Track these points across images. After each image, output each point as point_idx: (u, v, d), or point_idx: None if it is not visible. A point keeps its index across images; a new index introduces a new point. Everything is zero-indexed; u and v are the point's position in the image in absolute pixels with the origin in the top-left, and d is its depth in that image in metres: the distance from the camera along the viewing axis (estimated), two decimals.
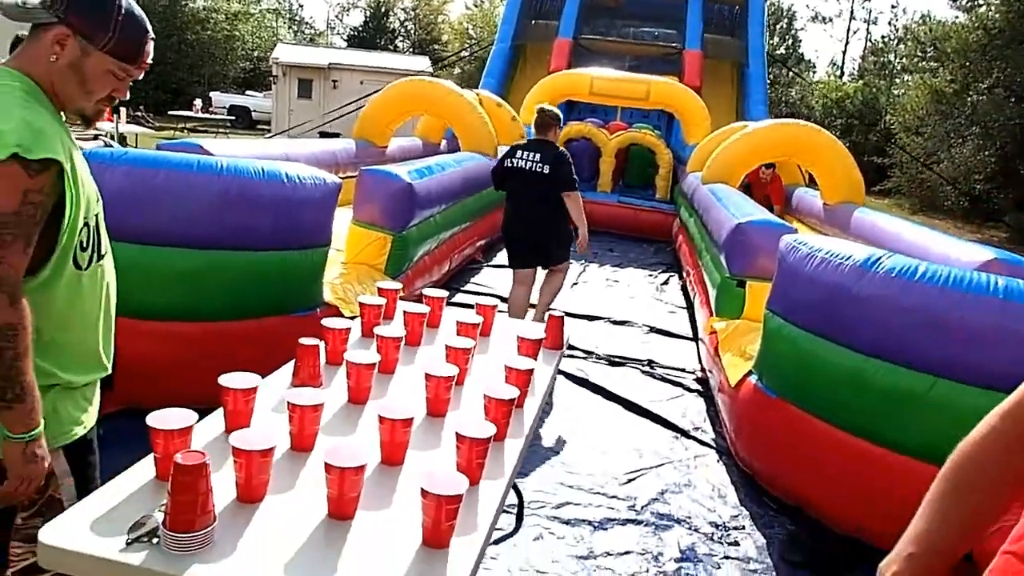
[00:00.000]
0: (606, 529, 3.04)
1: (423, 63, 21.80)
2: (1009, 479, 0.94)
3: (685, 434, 4.06)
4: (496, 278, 7.13)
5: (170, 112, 21.77)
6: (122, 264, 1.84)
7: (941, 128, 18.78)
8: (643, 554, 2.89)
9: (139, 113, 20.27)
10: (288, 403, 1.74)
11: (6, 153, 1.30)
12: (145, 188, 3.29)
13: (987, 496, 0.96)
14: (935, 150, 19.00)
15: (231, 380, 1.79)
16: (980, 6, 18.48)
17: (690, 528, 3.13)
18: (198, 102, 22.66)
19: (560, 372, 4.58)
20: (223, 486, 1.51)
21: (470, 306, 3.29)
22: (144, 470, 1.58)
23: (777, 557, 2.99)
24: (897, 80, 29.41)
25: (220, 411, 1.83)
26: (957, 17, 20.21)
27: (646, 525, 3.11)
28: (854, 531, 3.05)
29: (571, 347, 5.14)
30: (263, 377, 1.96)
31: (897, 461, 2.86)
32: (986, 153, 17.31)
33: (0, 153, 1.30)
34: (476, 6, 40.29)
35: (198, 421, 1.65)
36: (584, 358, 5.11)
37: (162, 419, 1.57)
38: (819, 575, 2.91)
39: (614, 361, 5.10)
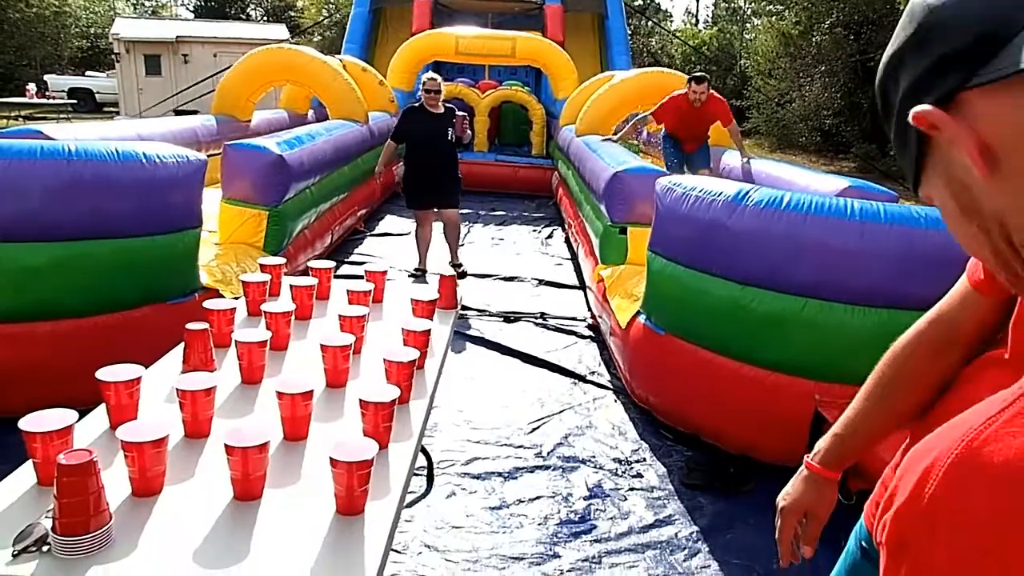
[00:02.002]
0: (516, 478, 3.10)
1: (280, 31, 20.82)
2: (930, 382, 1.02)
3: (582, 379, 4.18)
4: (381, 247, 7.02)
5: (0, 100, 19.83)
6: None
7: (791, 69, 19.86)
8: (553, 496, 2.98)
9: None
10: (177, 390, 1.65)
11: None
12: None
13: (908, 394, 1.04)
14: (787, 90, 20.10)
15: (110, 373, 1.67)
16: None
17: (595, 467, 3.25)
18: (32, 87, 20.76)
19: (456, 332, 4.58)
20: (116, 484, 1.43)
21: (358, 276, 3.22)
22: (22, 478, 1.46)
23: (678, 483, 3.16)
24: (748, 25, 30.77)
25: (102, 407, 1.71)
26: None
27: (553, 469, 3.19)
28: (745, 449, 3.26)
29: (464, 307, 5.16)
30: (146, 368, 1.85)
31: (777, 379, 3.06)
32: (832, 90, 18.48)
33: None
34: None
35: (78, 420, 1.54)
36: (478, 316, 5.13)
37: (37, 421, 1.45)
38: (717, 492, 3.10)
39: (508, 317, 5.16)
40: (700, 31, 32.59)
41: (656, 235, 3.57)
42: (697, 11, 37.99)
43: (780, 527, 1.18)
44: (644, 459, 3.35)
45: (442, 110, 5.70)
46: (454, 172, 5.87)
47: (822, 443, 1.16)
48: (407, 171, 5.89)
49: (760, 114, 21.56)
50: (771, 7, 22.38)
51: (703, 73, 6.57)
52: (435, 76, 5.81)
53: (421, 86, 5.76)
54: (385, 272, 2.83)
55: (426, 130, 5.65)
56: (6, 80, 25.54)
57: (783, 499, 1.19)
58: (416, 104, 5.80)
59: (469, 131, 5.72)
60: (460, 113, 5.69)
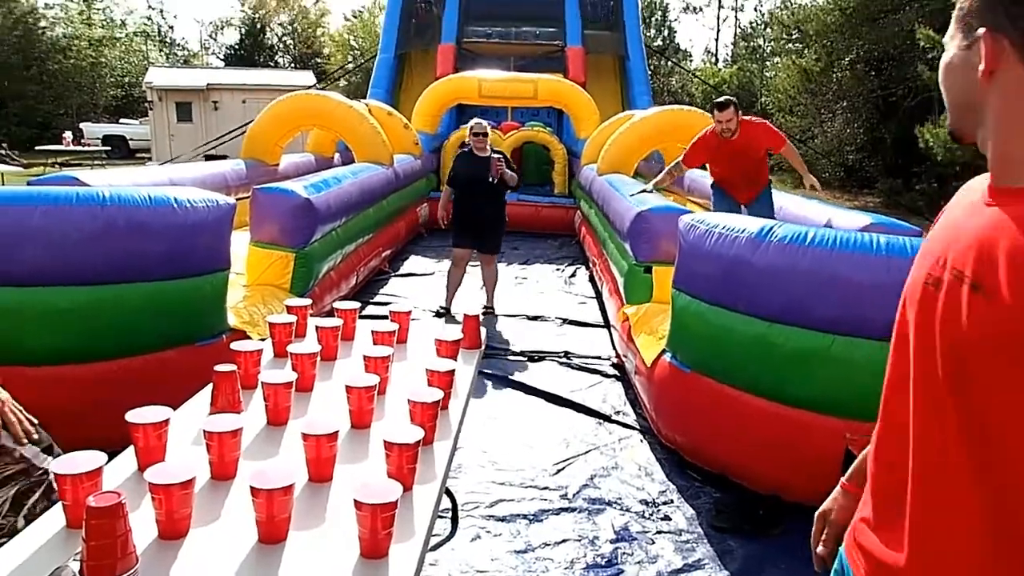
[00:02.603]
0: (541, 521, 3.06)
1: (307, 77, 21.35)
2: None
3: (608, 419, 4.14)
4: (405, 287, 7.07)
5: (37, 148, 20.46)
6: (6, 310, 1.72)
7: (812, 105, 19.90)
8: (579, 540, 2.93)
9: (2, 151, 18.96)
10: (204, 431, 1.67)
11: None
12: (21, 227, 3.08)
13: None
14: (808, 127, 20.12)
15: (139, 415, 1.70)
16: None
17: (622, 509, 3.20)
18: (68, 134, 21.39)
19: (480, 372, 4.58)
20: (142, 526, 1.43)
21: (383, 317, 3.23)
22: (52, 521, 1.48)
23: (707, 525, 3.10)
24: (768, 63, 30.96)
25: (131, 449, 1.73)
26: (815, 0, 21.46)
27: (579, 511, 3.15)
28: (775, 489, 3.19)
29: (489, 346, 5.16)
30: (174, 410, 1.87)
31: (805, 417, 3.01)
32: (855, 126, 18.47)
33: None
34: (355, 17, 39.77)
35: (107, 462, 1.56)
36: (502, 355, 5.13)
37: (68, 464, 1.47)
38: (747, 534, 3.03)
39: (532, 356, 5.15)
40: (720, 70, 32.86)
41: (680, 273, 3.57)
42: (716, 50, 38.40)
43: (813, 531, 1.31)
44: (672, 500, 3.29)
45: (488, 153, 5.83)
46: (496, 215, 5.98)
47: (856, 462, 1.27)
48: (454, 212, 6.03)
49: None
50: (791, 45, 22.54)
51: (727, 97, 5.49)
52: (481, 121, 6.01)
53: (469, 130, 5.96)
54: (409, 312, 2.85)
55: (472, 173, 5.79)
56: (44, 128, 26.37)
57: (822, 507, 1.31)
58: (467, 149, 6.04)
59: (509, 172, 5.77)
60: (495, 155, 5.78)
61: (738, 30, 37.02)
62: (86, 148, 21.03)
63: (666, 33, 37.64)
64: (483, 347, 2.87)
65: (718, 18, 38.64)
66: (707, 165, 6.06)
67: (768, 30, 32.25)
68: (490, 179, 5.70)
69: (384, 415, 2.11)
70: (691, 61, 38.33)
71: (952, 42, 0.96)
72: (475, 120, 6.06)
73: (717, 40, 38.70)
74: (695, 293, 3.42)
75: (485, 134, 5.90)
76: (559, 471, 3.51)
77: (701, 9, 38.58)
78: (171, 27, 46.16)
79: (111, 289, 3.24)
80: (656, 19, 36.84)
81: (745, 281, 3.16)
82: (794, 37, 21.90)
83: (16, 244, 3.08)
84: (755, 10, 36.72)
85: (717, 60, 37.52)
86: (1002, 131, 0.90)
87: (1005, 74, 0.88)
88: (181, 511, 1.44)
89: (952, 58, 0.96)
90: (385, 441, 1.67)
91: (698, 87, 30.04)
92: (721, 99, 5.49)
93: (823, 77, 19.46)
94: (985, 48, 0.89)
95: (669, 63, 31.91)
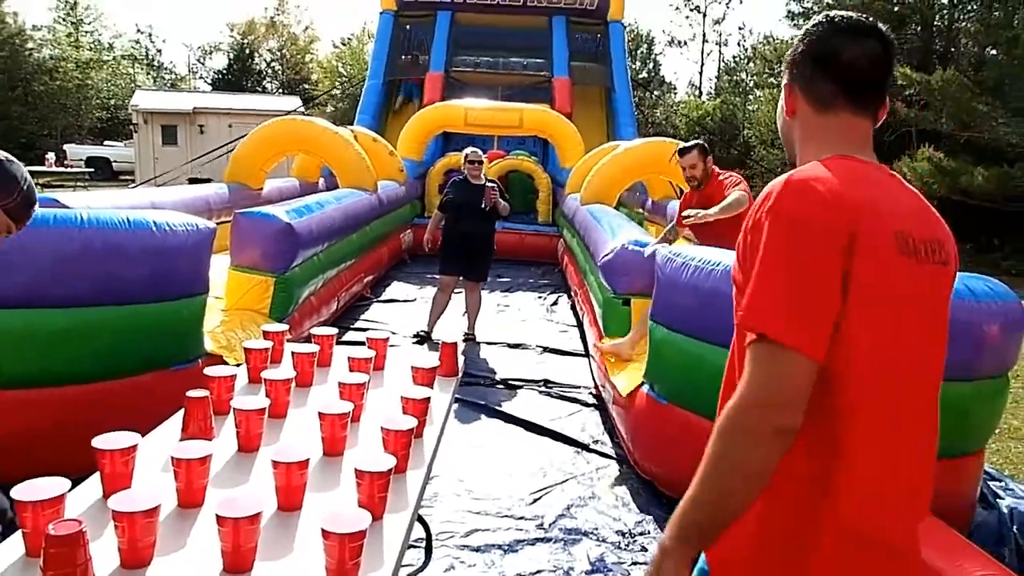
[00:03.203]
0: (516, 551, 3.03)
1: (294, 103, 21.43)
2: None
3: (586, 448, 4.13)
4: (387, 313, 7.05)
5: None
6: None
7: None
8: (554, 571, 2.91)
9: None
10: (172, 458, 1.65)
11: None
12: None
13: None
14: (789, 160, 20.42)
15: (106, 441, 1.67)
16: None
17: (598, 539, 3.18)
18: (51, 155, 21.27)
19: (458, 399, 4.56)
20: (105, 555, 1.41)
21: (362, 343, 3.19)
22: (11, 548, 1.45)
23: None
24: (751, 96, 31.47)
25: (96, 476, 1.71)
26: (795, 36, 21.96)
27: (555, 542, 3.13)
28: None
29: (468, 373, 5.14)
30: (143, 436, 1.85)
31: None
32: None
33: None
34: (344, 44, 40.07)
35: (71, 489, 1.54)
36: (482, 383, 5.11)
37: (30, 490, 1.45)
38: None
39: (511, 384, 5.13)
40: (703, 102, 33.34)
41: (658, 305, 3.59)
42: (700, 83, 38.97)
43: None
44: (648, 531, 3.28)
45: (482, 181, 5.86)
46: (486, 243, 6.02)
47: None
48: (443, 239, 6.04)
49: (764, 183, 21.84)
50: (772, 79, 22.94)
51: (695, 141, 4.59)
52: (476, 149, 6.07)
53: (464, 158, 6.00)
54: (387, 339, 2.85)
55: (466, 200, 5.82)
56: (27, 149, 26.21)
57: None
58: (460, 176, 6.09)
59: (502, 201, 5.80)
60: (489, 184, 5.82)
61: (722, 64, 37.67)
62: (69, 169, 20.91)
63: (651, 66, 38.20)
64: (461, 374, 2.86)
65: (702, 52, 39.33)
66: None
67: (751, 64, 32.86)
68: (484, 207, 5.73)
69: (358, 443, 2.10)
70: (675, 93, 38.88)
71: (780, 99, 1.38)
72: (470, 148, 6.11)
73: (701, 73, 39.38)
74: (672, 325, 3.44)
75: (480, 162, 5.94)
76: (536, 500, 3.49)
77: (686, 43, 39.21)
78: (159, 51, 46.29)
79: (87, 312, 3.21)
80: (642, 52, 37.40)
81: (721, 313, 3.17)
82: (777, 71, 22.32)
83: None
84: (739, 44, 37.44)
85: (701, 93, 38.09)
86: (799, 149, 1.34)
87: (799, 109, 1.32)
88: (145, 539, 1.42)
89: (779, 110, 1.39)
90: (356, 469, 1.66)
91: (681, 119, 30.47)
92: (684, 144, 4.62)
93: None
94: (785, 94, 1.34)
95: (654, 95, 32.37)
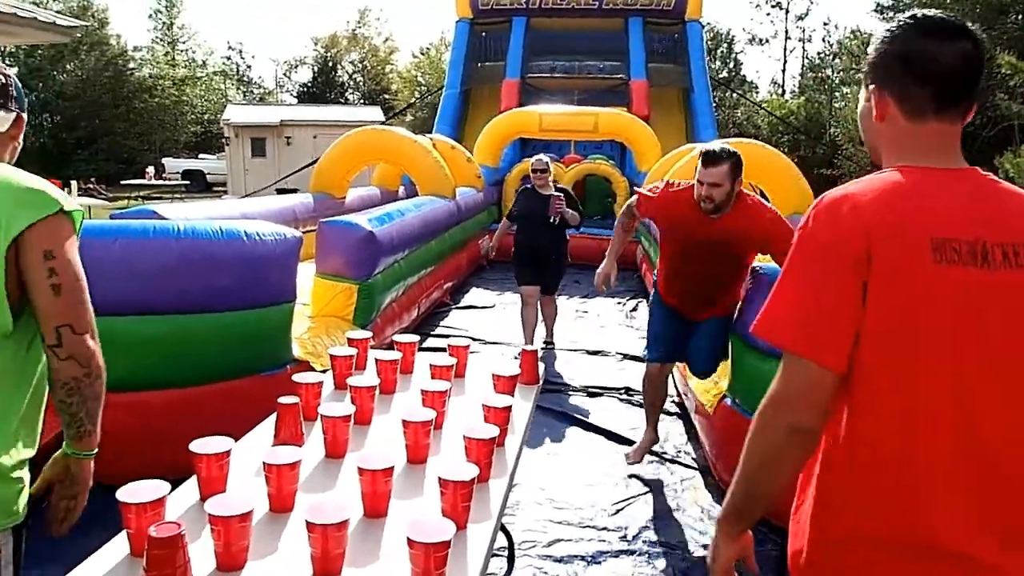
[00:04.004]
0: (599, 563, 2.99)
1: (375, 113, 21.98)
2: None
3: (671, 460, 4.04)
4: (466, 319, 7.11)
5: (123, 182, 21.55)
6: None
7: None
8: None
9: (91, 185, 20.03)
10: (264, 463, 1.69)
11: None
12: (101, 259, 3.22)
13: None
14: (874, 161, 19.59)
15: (203, 445, 1.73)
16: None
17: (684, 553, 3.10)
18: (151, 169, 22.48)
19: (538, 407, 4.54)
20: (202, 557, 1.46)
21: (442, 349, 3.22)
22: (117, 548, 1.52)
23: (773, 574, 2.97)
24: (836, 93, 30.35)
25: (193, 479, 1.77)
26: (878, 32, 21.06)
27: (639, 555, 3.07)
28: None
29: (548, 381, 5.12)
30: (236, 440, 1.90)
31: None
32: None
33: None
34: (423, 54, 40.83)
35: (171, 492, 1.60)
36: (561, 391, 5.08)
37: (133, 492, 1.51)
38: None
39: (592, 392, 5.08)
40: (787, 101, 32.37)
41: (739, 316, 3.48)
42: (783, 81, 37.85)
43: None
44: None
45: (550, 191, 5.71)
46: (557, 254, 5.82)
47: None
48: (515, 249, 5.94)
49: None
50: (860, 75, 22.05)
51: (724, 145, 3.39)
52: (542, 156, 5.94)
53: (531, 167, 5.88)
54: (467, 346, 2.86)
55: (533, 210, 5.71)
56: (129, 164, 27.82)
57: None
58: (529, 185, 5.96)
59: (570, 211, 5.59)
60: (556, 193, 5.67)
61: (806, 61, 36.49)
62: (167, 182, 22.06)
63: (732, 65, 37.37)
64: (541, 382, 2.85)
65: (784, 49, 38.14)
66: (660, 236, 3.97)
67: (837, 60, 31.68)
68: (550, 219, 5.59)
69: (440, 450, 2.10)
70: (757, 92, 37.88)
71: (862, 99, 1.34)
72: (536, 156, 6.00)
73: (784, 71, 38.28)
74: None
75: (544, 170, 5.76)
76: (618, 511, 3.43)
77: (767, 40, 38.13)
78: (248, 66, 48.29)
79: (184, 319, 3.35)
80: (722, 51, 36.63)
81: None
82: (863, 67, 21.48)
83: (97, 275, 3.22)
84: (823, 40, 36.16)
85: (784, 91, 37.00)
86: (884, 154, 1.30)
87: (889, 115, 1.26)
88: (239, 543, 1.45)
89: (861, 110, 1.35)
90: (440, 478, 1.66)
91: (764, 119, 29.64)
92: (714, 147, 3.34)
93: None
94: (875, 99, 1.28)
95: (734, 95, 31.62)
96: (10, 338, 1.49)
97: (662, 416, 4.66)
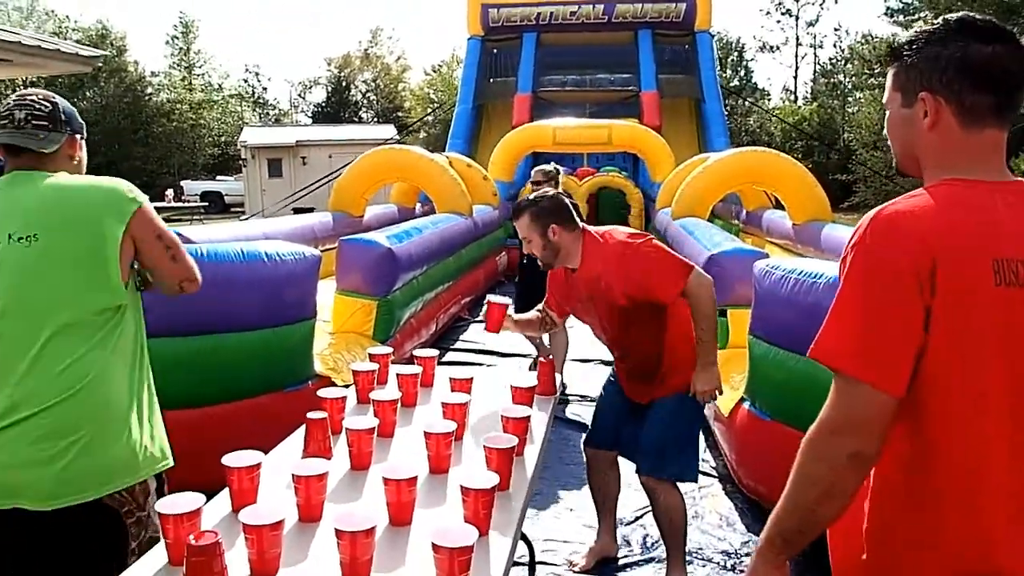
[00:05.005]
0: (622, 571, 3.03)
1: (388, 131, 22.25)
2: None
3: None
4: (483, 333, 7.17)
5: None
6: None
7: None
8: None
9: None
10: (293, 475, 1.77)
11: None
12: None
13: None
14: (898, 166, 19.52)
15: (234, 459, 1.81)
16: (915, 20, 19.22)
17: (703, 560, 3.13)
18: (170, 192, 22.78)
19: (557, 418, 4.59)
20: (235, 565, 1.53)
21: (463, 363, 3.31)
22: (156, 558, 1.59)
23: None
24: (849, 99, 30.28)
25: (225, 492, 1.84)
26: (895, 33, 21.00)
27: (659, 562, 3.10)
28: None
29: (564, 392, 5.17)
30: (264, 454, 1.98)
31: None
32: None
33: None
34: (435, 71, 41.23)
35: (205, 503, 1.67)
36: (579, 401, 5.13)
37: (171, 504, 1.59)
38: None
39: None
40: (799, 107, 32.31)
41: (757, 319, 3.52)
42: (796, 88, 37.83)
43: None
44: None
45: None
46: None
47: None
48: (518, 284, 5.54)
49: (868, 187, 20.96)
50: (873, 79, 22.02)
51: (523, 199, 2.91)
52: (544, 167, 5.30)
53: (530, 179, 5.35)
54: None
55: None
56: (148, 188, 28.14)
57: None
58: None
59: None
60: None
61: (817, 67, 36.45)
62: (186, 204, 22.36)
63: (743, 73, 37.40)
64: (558, 393, 2.90)
65: (796, 56, 38.14)
66: None
67: (849, 65, 31.61)
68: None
69: (461, 460, 2.17)
70: (769, 100, 37.86)
71: (893, 104, 1.27)
72: (537, 168, 5.32)
73: (796, 77, 38.21)
74: (773, 340, 3.37)
75: (544, 181, 5.04)
76: (638, 519, 3.47)
77: (778, 47, 38.16)
78: (265, 88, 48.94)
79: (208, 339, 3.45)
80: (732, 59, 36.69)
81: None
82: (876, 71, 21.43)
83: None
84: (834, 46, 36.10)
85: (796, 98, 36.94)
86: (929, 164, 1.24)
87: (942, 123, 1.20)
88: (271, 551, 1.52)
89: (895, 116, 1.27)
90: (462, 486, 1.73)
91: (777, 126, 29.62)
92: (523, 200, 2.91)
93: None
94: (928, 106, 1.20)
95: (746, 103, 31.62)
96: (126, 309, 1.89)
97: None
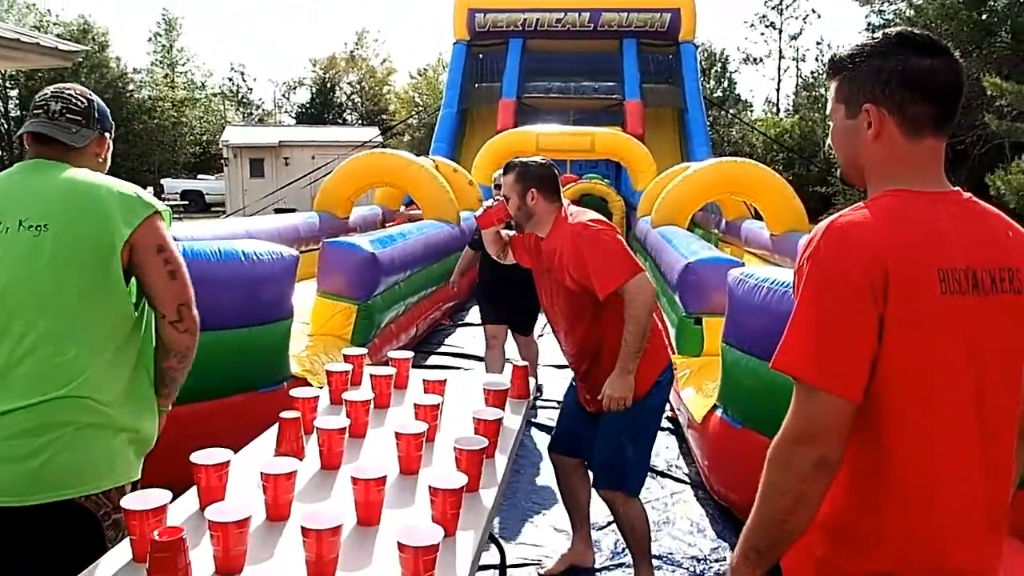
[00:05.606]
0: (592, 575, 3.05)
1: (372, 133, 22.16)
2: None
3: (661, 473, 4.10)
4: (467, 338, 7.18)
5: None
6: None
7: None
8: None
9: None
10: (261, 473, 1.77)
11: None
12: None
13: None
14: (850, 179, 19.77)
15: (202, 457, 1.81)
16: None
17: (673, 565, 3.16)
18: (149, 190, 22.48)
19: (532, 423, 4.61)
20: (202, 561, 1.53)
21: (442, 367, 3.31)
22: (120, 554, 1.59)
23: None
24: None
25: (193, 489, 1.84)
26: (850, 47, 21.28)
27: (629, 567, 3.12)
28: None
29: (539, 398, 5.18)
30: (235, 452, 1.98)
31: None
32: None
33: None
34: (420, 75, 41.20)
35: (172, 501, 1.67)
36: (554, 407, 5.14)
37: (137, 500, 1.58)
38: None
39: None
40: (781, 119, 32.63)
41: (730, 327, 3.56)
42: (778, 100, 38.20)
43: None
44: (724, 558, 3.23)
45: None
46: (527, 284, 3.67)
47: None
48: (479, 282, 5.09)
49: (847, 200, 21.18)
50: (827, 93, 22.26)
51: (522, 158, 2.97)
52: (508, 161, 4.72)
53: (492, 183, 4.96)
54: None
55: None
56: None
57: None
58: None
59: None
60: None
61: (800, 80, 36.83)
62: (166, 202, 22.13)
63: (726, 84, 37.71)
64: (531, 397, 2.91)
65: (779, 68, 38.55)
66: None
67: None
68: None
69: (432, 462, 2.18)
70: (751, 111, 38.19)
71: (837, 115, 1.31)
72: (497, 172, 4.38)
73: (778, 90, 38.53)
74: (746, 348, 3.41)
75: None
76: (609, 524, 3.48)
77: (761, 60, 38.53)
78: (250, 88, 48.65)
79: None
80: (716, 70, 36.99)
81: None
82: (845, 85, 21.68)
83: None
84: (816, 60, 36.53)
85: (779, 110, 37.30)
86: (872, 175, 1.29)
87: (886, 133, 1.24)
88: (237, 548, 1.53)
89: (839, 127, 1.31)
90: (430, 487, 1.74)
91: (759, 138, 29.90)
92: (517, 158, 3.01)
93: None
94: (872, 117, 1.24)
95: (729, 114, 31.89)
96: (129, 316, 1.85)
97: None
